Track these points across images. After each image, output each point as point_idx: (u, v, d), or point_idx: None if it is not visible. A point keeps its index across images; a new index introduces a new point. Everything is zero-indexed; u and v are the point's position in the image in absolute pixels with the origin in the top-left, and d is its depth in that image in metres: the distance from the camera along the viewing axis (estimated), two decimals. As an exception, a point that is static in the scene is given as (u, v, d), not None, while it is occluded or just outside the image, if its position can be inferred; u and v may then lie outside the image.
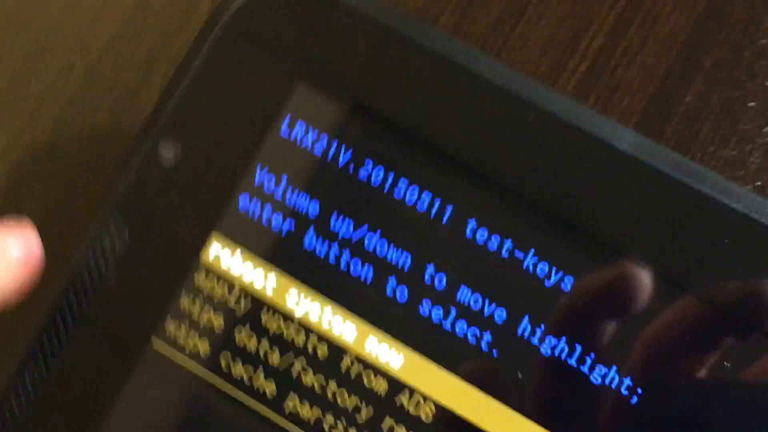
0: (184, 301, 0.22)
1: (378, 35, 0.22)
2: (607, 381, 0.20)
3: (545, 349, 0.21)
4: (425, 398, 0.21)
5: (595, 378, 0.20)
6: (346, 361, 0.21)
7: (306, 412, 0.21)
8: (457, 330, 0.21)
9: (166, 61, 0.26)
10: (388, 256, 0.21)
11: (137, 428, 0.22)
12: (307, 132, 0.22)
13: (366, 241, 0.22)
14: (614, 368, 0.20)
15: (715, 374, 0.20)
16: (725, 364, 0.20)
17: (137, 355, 0.22)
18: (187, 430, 0.22)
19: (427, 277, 0.21)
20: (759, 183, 0.22)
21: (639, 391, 0.20)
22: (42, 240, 0.21)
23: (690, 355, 0.20)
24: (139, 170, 0.22)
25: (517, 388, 0.21)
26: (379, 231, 0.22)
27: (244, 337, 0.22)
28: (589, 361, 0.21)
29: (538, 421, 0.21)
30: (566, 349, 0.21)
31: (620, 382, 0.20)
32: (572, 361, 0.21)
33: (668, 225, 0.21)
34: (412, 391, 0.21)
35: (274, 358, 0.22)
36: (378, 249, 0.22)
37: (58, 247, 0.22)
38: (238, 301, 0.22)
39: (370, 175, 0.22)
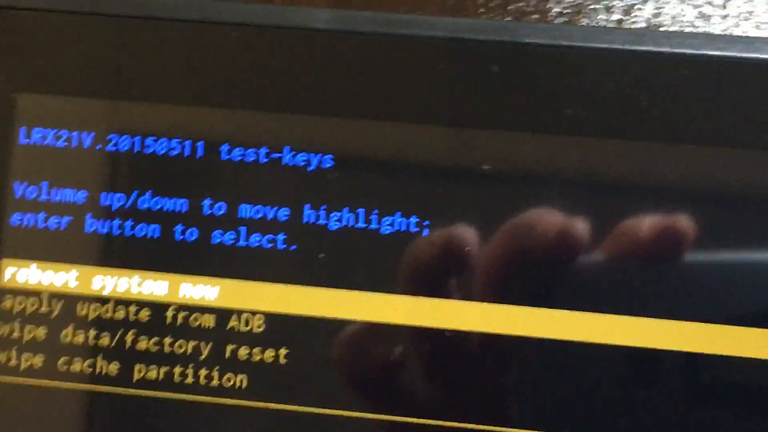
0: (2, 330, 0.23)
1: (61, 25, 0.23)
2: (396, 227, 0.22)
3: (333, 225, 0.22)
4: (253, 313, 0.22)
5: (385, 228, 0.22)
6: (169, 314, 0.23)
7: (153, 374, 0.22)
8: (252, 243, 0.23)
9: None
10: (166, 208, 0.23)
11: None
12: (45, 133, 0.23)
13: (140, 204, 0.23)
14: (398, 214, 0.22)
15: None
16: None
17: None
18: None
19: (207, 211, 0.23)
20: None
21: (426, 222, 0.22)
22: None
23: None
24: None
25: (326, 268, 0.23)
26: (150, 191, 0.23)
27: (70, 335, 0.23)
28: (374, 218, 0.22)
29: (356, 288, 0.22)
30: (351, 217, 0.22)
31: (408, 223, 0.22)
32: (361, 224, 0.22)
33: (386, 76, 0.23)
34: (238, 313, 0.22)
35: (105, 340, 0.23)
36: (153, 205, 0.23)
37: None
38: (51, 307, 0.23)
39: (116, 147, 0.23)
